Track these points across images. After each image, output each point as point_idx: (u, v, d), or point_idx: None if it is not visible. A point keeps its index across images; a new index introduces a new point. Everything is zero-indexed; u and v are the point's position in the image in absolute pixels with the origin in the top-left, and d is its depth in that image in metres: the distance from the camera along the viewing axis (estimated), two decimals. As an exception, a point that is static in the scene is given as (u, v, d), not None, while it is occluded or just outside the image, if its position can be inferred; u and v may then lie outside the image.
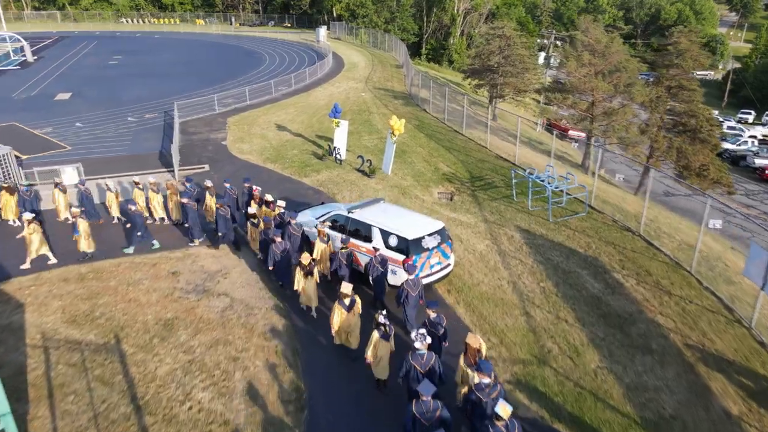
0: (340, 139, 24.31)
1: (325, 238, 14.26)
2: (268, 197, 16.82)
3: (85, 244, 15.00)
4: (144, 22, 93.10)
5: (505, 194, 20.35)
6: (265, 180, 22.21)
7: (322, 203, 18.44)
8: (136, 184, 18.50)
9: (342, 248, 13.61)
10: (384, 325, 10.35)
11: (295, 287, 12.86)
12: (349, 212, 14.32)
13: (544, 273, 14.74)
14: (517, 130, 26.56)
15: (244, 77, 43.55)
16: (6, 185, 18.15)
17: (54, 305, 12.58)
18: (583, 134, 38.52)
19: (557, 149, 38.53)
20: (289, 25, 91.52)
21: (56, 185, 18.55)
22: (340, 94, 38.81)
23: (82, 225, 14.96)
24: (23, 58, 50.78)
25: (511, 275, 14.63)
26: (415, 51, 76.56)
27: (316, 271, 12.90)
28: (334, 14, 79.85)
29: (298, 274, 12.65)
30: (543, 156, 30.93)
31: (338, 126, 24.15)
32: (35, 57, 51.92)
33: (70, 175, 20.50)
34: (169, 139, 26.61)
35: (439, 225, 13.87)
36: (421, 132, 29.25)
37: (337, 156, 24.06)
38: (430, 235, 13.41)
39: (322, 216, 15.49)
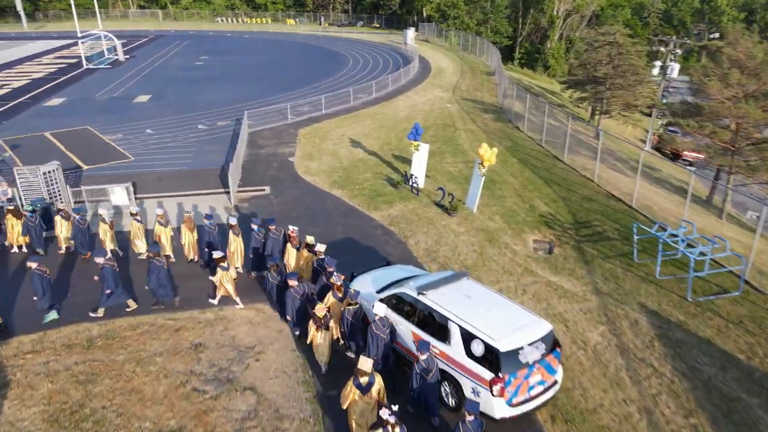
0: (419, 165, 20.92)
1: (340, 294, 11.60)
2: (310, 240, 13.76)
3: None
4: (237, 21, 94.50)
5: (622, 251, 16.03)
6: (329, 211, 19.29)
7: (388, 263, 14.76)
8: (134, 215, 15.73)
9: (350, 304, 11.28)
10: (390, 425, 7.86)
11: (308, 341, 11.21)
12: (419, 293, 10.82)
13: (691, 396, 10.40)
14: (636, 161, 21.82)
15: (325, 81, 41.25)
16: (11, 207, 16.00)
17: (42, 390, 10.15)
18: (701, 156, 32.45)
19: (673, 177, 32.88)
20: (377, 25, 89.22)
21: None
22: (423, 104, 35.38)
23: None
24: (115, 57, 51.67)
25: (642, 395, 10.47)
26: (507, 55, 71.57)
27: (333, 325, 11.29)
28: (424, 15, 76.47)
29: (312, 328, 11.03)
30: (662, 191, 25.78)
31: (417, 150, 20.77)
32: (127, 56, 52.73)
33: (119, 195, 18.63)
34: (233, 153, 24.46)
35: (545, 328, 9.94)
36: (513, 156, 25.21)
37: (414, 185, 20.68)
38: (531, 344, 9.59)
39: (384, 289, 12.17)
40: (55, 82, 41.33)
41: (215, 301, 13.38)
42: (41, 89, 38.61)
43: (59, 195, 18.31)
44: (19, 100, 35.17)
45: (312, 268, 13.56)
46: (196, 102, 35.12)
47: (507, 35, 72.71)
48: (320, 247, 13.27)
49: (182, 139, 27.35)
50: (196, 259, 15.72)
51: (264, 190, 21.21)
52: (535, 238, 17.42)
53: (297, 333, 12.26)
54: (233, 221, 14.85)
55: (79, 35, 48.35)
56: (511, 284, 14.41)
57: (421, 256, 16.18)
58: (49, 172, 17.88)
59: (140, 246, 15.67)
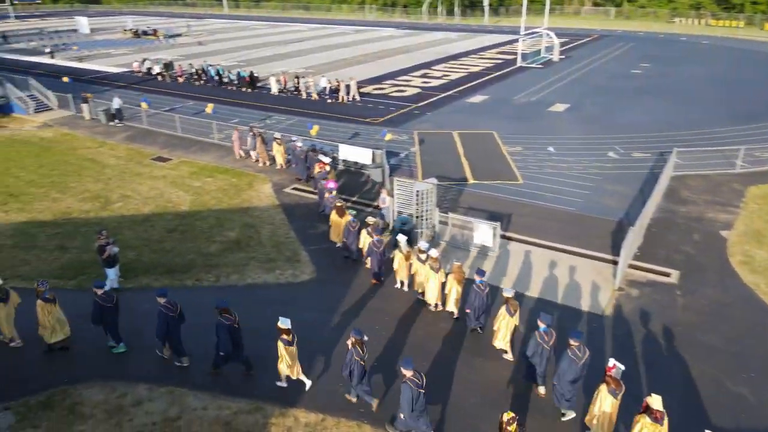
0: None
1: None
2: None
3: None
4: (699, 23, 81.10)
5: None
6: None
7: None
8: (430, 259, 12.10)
9: None
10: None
11: None
12: None
13: None
14: None
15: (807, 118, 29.30)
16: (339, 204, 16.25)
17: None
18: None
19: None
20: None
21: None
22: None
23: None
24: (549, 57, 50.11)
25: None
26: None
27: None
28: None
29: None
30: None
31: None
32: (562, 57, 50.51)
33: (483, 234, 15.72)
34: (641, 203, 18.57)
35: None
36: None
37: None
38: None
39: None
40: (486, 78, 42.31)
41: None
42: (471, 84, 39.92)
43: (427, 217, 16.66)
44: (448, 93, 36.98)
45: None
46: (614, 120, 29.70)
47: None
48: None
49: (583, 167, 22.78)
50: (455, 314, 12.81)
51: (669, 275, 14.85)
52: None
53: None
54: (509, 293, 11.38)
55: (522, 32, 48.53)
56: None
57: None
58: (424, 192, 16.28)
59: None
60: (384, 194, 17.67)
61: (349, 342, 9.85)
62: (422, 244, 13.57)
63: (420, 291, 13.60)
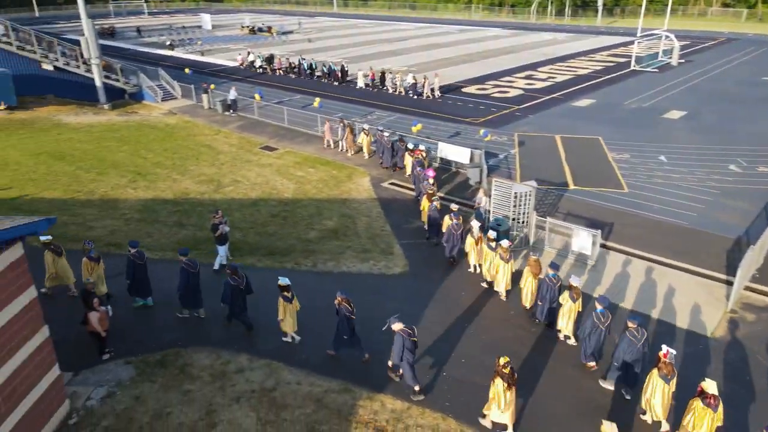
0: None
1: None
2: None
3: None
4: None
5: None
6: None
7: None
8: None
9: None
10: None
11: None
12: None
13: None
14: None
15: None
16: (431, 191, 16.32)
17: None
18: None
19: None
20: None
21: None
22: None
23: None
24: (667, 61, 46.91)
25: None
26: None
27: None
28: None
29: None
30: None
31: None
32: (681, 61, 47.12)
33: (582, 240, 15.21)
34: (764, 221, 17.06)
35: None
36: None
37: None
38: None
39: None
40: (594, 81, 40.49)
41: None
42: (577, 87, 38.41)
43: (525, 218, 16.38)
44: (552, 95, 35.85)
45: None
46: (738, 131, 27.33)
47: None
48: None
49: (699, 179, 21.24)
50: (528, 306, 13.21)
51: (792, 304, 13.56)
52: None
53: None
54: (575, 281, 11.85)
55: (639, 33, 45.83)
56: None
57: None
58: (522, 194, 16.02)
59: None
60: (481, 194, 17.62)
61: (336, 301, 11.18)
62: (504, 242, 13.72)
63: (488, 279, 14.23)
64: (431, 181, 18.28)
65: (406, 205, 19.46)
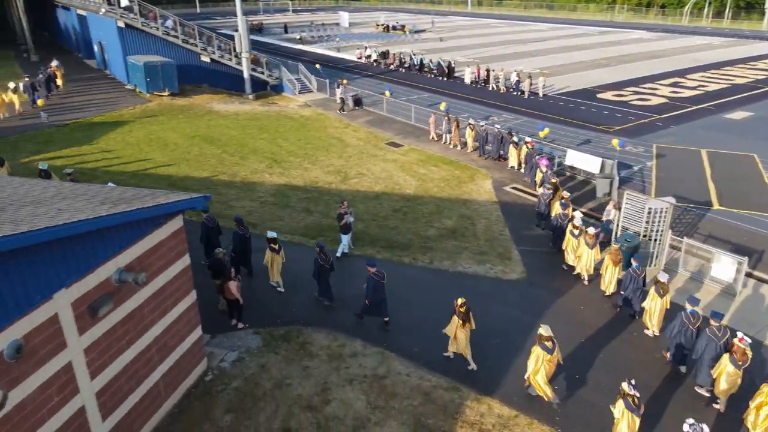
0: None
1: None
2: None
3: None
4: None
5: None
6: None
7: None
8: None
9: None
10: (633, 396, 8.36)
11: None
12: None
13: None
14: None
15: None
16: (553, 181, 17.21)
17: None
18: None
19: None
20: None
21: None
22: None
23: None
24: None
25: None
26: None
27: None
28: None
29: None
30: None
31: None
32: None
33: (725, 267, 13.90)
34: None
35: None
36: None
37: None
38: None
39: None
40: (754, 92, 36.38)
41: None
42: (732, 98, 34.78)
43: (658, 236, 15.29)
44: (701, 106, 32.83)
45: None
46: None
47: None
48: None
49: None
50: (607, 293, 13.95)
51: None
52: None
53: None
54: (663, 277, 11.99)
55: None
56: None
57: None
58: (658, 210, 14.97)
59: None
60: (610, 206, 16.75)
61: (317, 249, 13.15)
62: (591, 229, 14.70)
63: (569, 263, 15.07)
64: (546, 170, 19.33)
65: (528, 211, 19.03)
